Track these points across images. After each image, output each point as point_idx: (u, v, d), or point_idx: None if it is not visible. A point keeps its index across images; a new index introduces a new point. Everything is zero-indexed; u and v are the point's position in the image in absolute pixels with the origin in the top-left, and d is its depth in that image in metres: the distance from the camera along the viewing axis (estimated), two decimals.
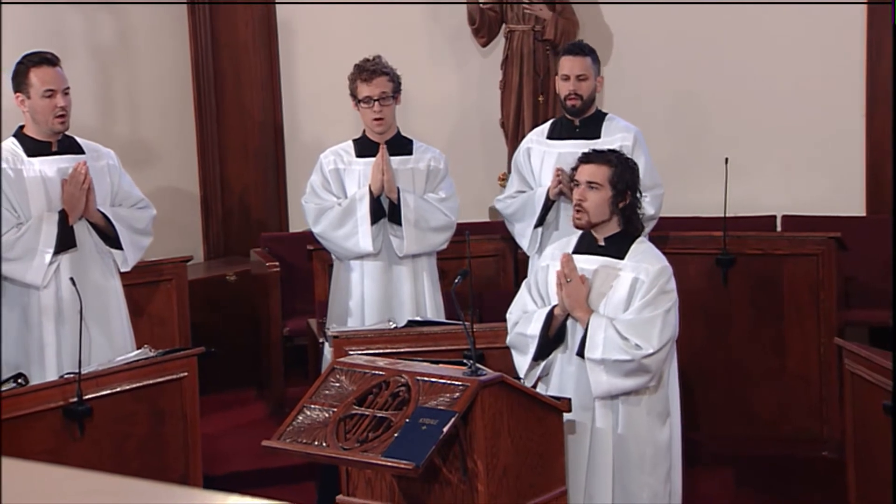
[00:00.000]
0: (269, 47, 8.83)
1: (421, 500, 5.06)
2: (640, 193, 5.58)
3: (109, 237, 6.16)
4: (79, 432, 5.46)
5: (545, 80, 8.50)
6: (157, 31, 8.65)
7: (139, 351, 5.86)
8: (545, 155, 6.91)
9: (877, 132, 8.33)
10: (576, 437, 5.41)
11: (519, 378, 5.46)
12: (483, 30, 8.62)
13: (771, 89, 8.53)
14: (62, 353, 6.03)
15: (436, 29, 8.84)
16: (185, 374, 5.81)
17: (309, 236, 7.10)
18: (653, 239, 5.88)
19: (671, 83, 8.69)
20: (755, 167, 8.36)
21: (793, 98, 8.49)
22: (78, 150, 6.20)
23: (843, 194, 8.39)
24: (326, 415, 5.04)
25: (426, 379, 5.01)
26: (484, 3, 8.59)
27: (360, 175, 6.68)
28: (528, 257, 7.10)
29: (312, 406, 5.10)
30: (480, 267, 7.74)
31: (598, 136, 6.83)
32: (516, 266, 7.96)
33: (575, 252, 5.52)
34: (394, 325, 6.29)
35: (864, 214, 8.35)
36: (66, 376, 5.55)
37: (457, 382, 4.95)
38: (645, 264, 5.42)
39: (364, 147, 6.71)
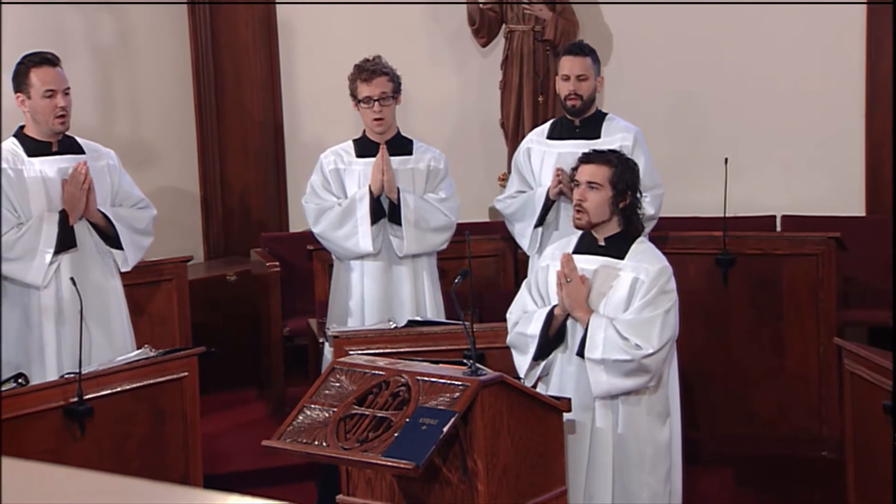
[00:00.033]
0: (269, 47, 8.83)
1: (421, 499, 5.06)
2: (641, 194, 5.59)
3: (110, 237, 6.17)
4: (79, 432, 5.47)
5: (545, 80, 8.50)
6: (157, 31, 8.65)
7: (139, 351, 5.86)
8: (545, 155, 6.91)
9: (876, 132, 8.34)
10: (576, 436, 5.41)
11: (519, 378, 5.46)
12: (483, 30, 8.62)
13: (771, 89, 8.53)
14: (62, 352, 6.03)
15: (436, 29, 8.84)
16: (186, 373, 5.82)
17: (309, 236, 7.11)
18: (652, 239, 5.89)
19: (671, 83, 8.69)
20: (755, 167, 8.36)
21: (792, 98, 8.50)
22: (78, 150, 6.20)
23: (843, 194, 8.40)
24: (326, 415, 5.05)
25: (426, 379, 5.01)
26: (484, 4, 8.60)
27: (360, 175, 6.68)
28: (528, 257, 7.11)
29: (312, 406, 5.10)
30: (480, 267, 7.75)
31: (598, 137, 6.83)
32: (516, 266, 7.97)
33: (575, 252, 5.53)
34: (394, 325, 6.30)
35: (863, 214, 8.35)
36: (66, 376, 5.55)
37: (457, 382, 4.95)
38: (645, 264, 5.42)
39: (364, 147, 6.71)
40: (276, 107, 8.86)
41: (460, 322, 5.39)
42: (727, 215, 7.01)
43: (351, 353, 5.78)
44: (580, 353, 5.38)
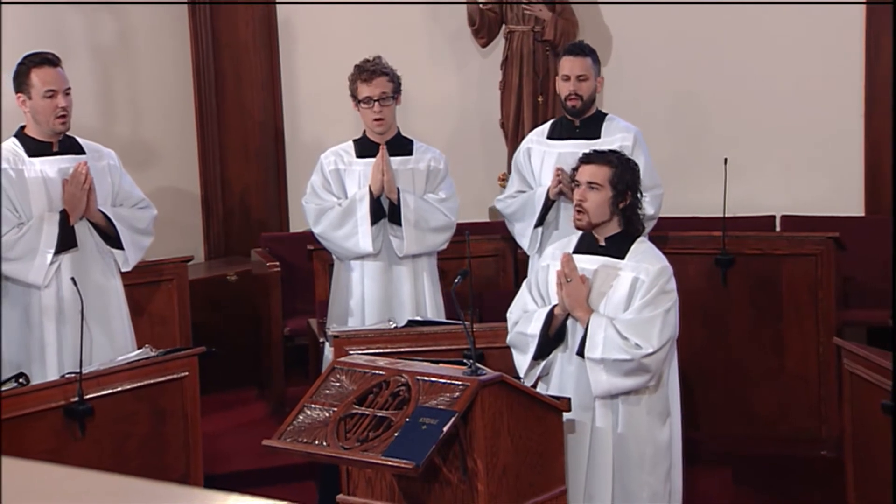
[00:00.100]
0: (269, 47, 8.83)
1: (421, 499, 5.07)
2: (641, 194, 5.59)
3: (110, 237, 6.17)
4: (80, 432, 5.47)
5: (545, 80, 8.51)
6: (157, 32, 8.65)
7: (140, 351, 5.87)
8: (545, 155, 6.92)
9: (875, 132, 8.34)
10: (576, 436, 5.41)
11: (519, 377, 5.47)
12: (483, 30, 8.62)
13: (770, 89, 8.54)
14: (63, 352, 6.04)
15: (436, 29, 8.85)
16: (186, 373, 5.82)
17: (309, 236, 7.12)
18: (652, 239, 5.89)
19: (671, 83, 8.69)
20: (754, 167, 8.36)
21: (792, 98, 8.50)
22: (79, 150, 6.21)
23: (842, 194, 8.40)
24: (327, 414, 5.05)
25: (426, 378, 5.02)
26: (484, 4, 8.60)
27: (360, 175, 6.69)
28: (528, 257, 7.11)
29: (313, 405, 5.11)
30: (480, 267, 7.75)
31: (598, 137, 6.84)
32: (516, 266, 7.97)
33: (575, 252, 5.53)
34: (394, 325, 6.30)
35: (862, 214, 8.35)
36: (67, 376, 5.56)
37: (457, 382, 4.96)
38: (645, 264, 5.43)
39: (364, 147, 6.72)
40: (277, 107, 8.86)
41: (460, 322, 5.40)
42: (727, 215, 7.02)
43: (351, 352, 5.79)
44: (580, 353, 5.39)
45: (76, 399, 5.44)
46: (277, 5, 8.81)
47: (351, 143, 6.78)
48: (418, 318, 6.40)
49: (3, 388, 5.48)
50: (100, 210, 6.12)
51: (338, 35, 8.67)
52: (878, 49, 8.29)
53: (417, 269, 6.73)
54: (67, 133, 6.17)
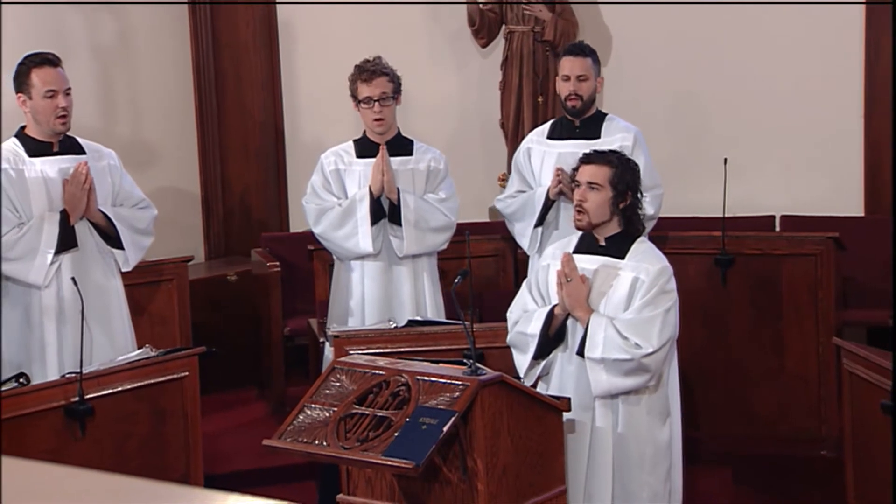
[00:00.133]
0: (269, 48, 8.84)
1: (421, 499, 5.07)
2: (641, 194, 5.59)
3: (111, 237, 6.18)
4: (80, 432, 5.48)
5: (545, 80, 8.51)
6: (157, 32, 8.66)
7: (140, 350, 5.87)
8: (545, 155, 6.92)
9: (875, 132, 8.34)
10: (576, 436, 5.42)
11: (519, 377, 5.47)
12: (483, 31, 8.63)
13: (770, 89, 8.54)
14: (63, 352, 6.05)
15: (436, 29, 8.85)
16: (186, 373, 5.83)
17: (309, 236, 7.12)
18: (652, 239, 5.89)
19: (671, 83, 8.69)
20: (754, 167, 8.37)
21: (792, 98, 8.50)
22: (79, 150, 6.21)
23: (842, 194, 8.40)
24: (327, 414, 5.06)
25: (426, 378, 5.02)
26: (484, 4, 8.60)
27: (360, 175, 6.69)
28: (528, 257, 7.12)
29: (313, 405, 5.11)
30: (480, 267, 7.75)
31: (598, 137, 6.84)
32: (516, 266, 7.97)
33: (575, 252, 5.54)
34: (394, 325, 6.31)
35: (862, 215, 8.36)
36: (67, 376, 5.57)
37: (457, 382, 4.96)
38: (645, 264, 5.43)
39: (364, 147, 6.72)
40: (277, 107, 8.87)
41: (460, 322, 5.40)
42: (726, 215, 7.02)
43: (351, 352, 5.79)
44: (580, 353, 5.39)
45: (76, 399, 5.45)
46: (278, 5, 8.82)
47: (351, 144, 6.78)
48: (418, 318, 6.41)
49: (4, 388, 5.49)
50: (100, 210, 6.13)
51: (338, 35, 8.67)
52: (877, 49, 8.30)
53: (417, 270, 6.73)
54: (68, 133, 6.17)
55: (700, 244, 7.15)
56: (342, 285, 6.77)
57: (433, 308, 6.74)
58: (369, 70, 6.62)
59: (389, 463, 4.80)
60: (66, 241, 6.07)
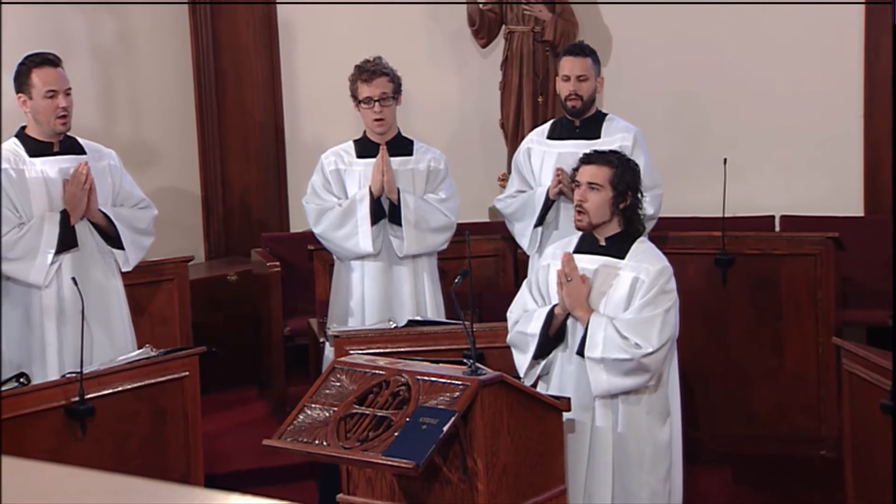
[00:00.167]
0: (269, 48, 8.84)
1: (421, 498, 5.08)
2: (641, 194, 5.60)
3: (111, 237, 6.18)
4: (80, 431, 5.48)
5: (545, 81, 8.52)
6: (158, 32, 8.66)
7: (140, 350, 5.88)
8: (545, 155, 6.93)
9: (875, 133, 8.35)
10: (575, 436, 5.42)
11: (519, 377, 5.48)
12: (483, 31, 8.63)
13: (770, 90, 8.55)
14: (64, 352, 6.05)
15: (436, 30, 8.85)
16: (187, 373, 5.83)
17: (310, 236, 7.12)
18: (652, 239, 5.90)
19: (670, 83, 8.70)
20: (754, 167, 8.37)
21: (791, 98, 8.51)
22: (79, 150, 6.22)
23: (841, 194, 8.41)
24: (327, 414, 5.06)
25: (426, 378, 5.02)
26: (484, 5, 8.61)
27: (360, 176, 6.70)
28: (528, 257, 7.12)
29: (313, 405, 5.12)
30: (480, 267, 7.76)
31: (598, 137, 6.84)
32: (516, 266, 7.98)
33: (576, 251, 5.54)
34: (394, 325, 6.31)
35: (861, 215, 8.36)
36: (67, 376, 5.57)
37: (457, 382, 4.97)
38: (645, 264, 5.44)
39: (364, 148, 6.73)
40: (277, 107, 8.87)
41: (460, 322, 5.40)
42: (726, 215, 7.02)
43: (351, 352, 5.80)
44: (580, 352, 5.39)
45: (77, 399, 5.45)
46: (278, 5, 8.82)
47: (351, 144, 6.79)
48: (418, 318, 6.41)
49: (4, 388, 5.49)
50: (100, 210, 6.13)
51: (338, 35, 8.68)
52: (877, 49, 8.30)
53: (417, 270, 6.74)
54: (68, 133, 6.18)
55: (700, 244, 7.16)
56: (342, 285, 6.78)
57: (433, 308, 6.74)
58: (369, 70, 6.62)
59: (389, 463, 4.81)
60: (67, 241, 6.07)
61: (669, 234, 7.11)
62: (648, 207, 6.46)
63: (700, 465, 6.85)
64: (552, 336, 5.47)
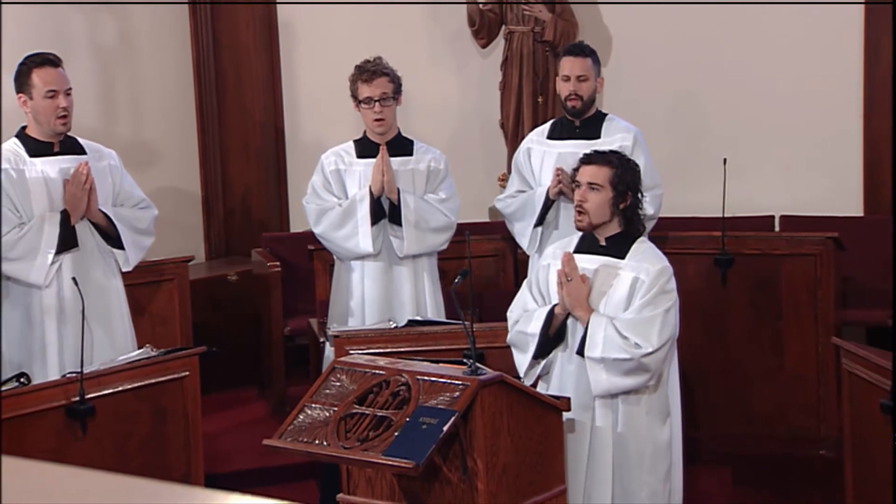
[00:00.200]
0: (270, 48, 8.85)
1: (421, 498, 5.08)
2: (641, 194, 5.60)
3: (111, 237, 6.19)
4: (81, 431, 5.48)
5: (545, 81, 8.52)
6: (158, 32, 8.67)
7: (141, 350, 5.88)
8: (545, 155, 6.93)
9: (874, 133, 8.35)
10: (575, 435, 5.42)
11: (519, 377, 5.48)
12: (483, 31, 8.64)
13: (770, 90, 8.55)
14: (64, 352, 6.06)
15: (436, 30, 8.86)
16: (187, 373, 5.83)
17: (310, 236, 7.13)
18: (652, 239, 5.90)
19: (670, 83, 8.70)
20: (754, 167, 8.37)
21: (791, 98, 8.51)
22: (80, 150, 6.22)
23: (841, 194, 8.41)
24: (327, 414, 5.07)
25: (426, 378, 5.03)
26: (484, 5, 8.61)
27: (360, 176, 6.70)
28: (527, 257, 7.13)
29: (313, 405, 5.12)
30: (480, 267, 7.76)
31: (598, 137, 6.85)
32: (516, 266, 7.98)
33: (576, 251, 5.54)
34: (394, 325, 6.31)
35: (861, 215, 8.37)
36: (68, 375, 5.57)
37: (457, 382, 4.97)
38: (646, 264, 5.44)
39: (365, 148, 6.73)
40: (277, 107, 8.88)
41: (460, 322, 5.41)
42: (726, 215, 7.03)
43: (351, 352, 5.80)
44: (580, 352, 5.40)
45: (77, 399, 5.45)
46: (278, 6, 8.83)
47: (351, 144, 6.79)
48: (418, 318, 6.42)
49: (5, 388, 5.49)
50: (100, 210, 6.14)
51: (338, 35, 8.68)
52: (877, 49, 8.31)
53: (418, 270, 6.74)
54: (68, 133, 6.18)
55: (699, 244, 7.16)
56: (342, 285, 6.78)
57: (433, 308, 6.75)
58: (370, 70, 6.63)
59: (389, 462, 4.81)
60: (67, 241, 6.08)
61: (669, 234, 7.12)
62: (648, 207, 6.46)
63: (700, 465, 6.85)
64: (552, 336, 5.48)
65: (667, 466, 5.53)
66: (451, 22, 8.75)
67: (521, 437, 5.09)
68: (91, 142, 6.35)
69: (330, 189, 6.71)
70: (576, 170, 5.61)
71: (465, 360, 5.16)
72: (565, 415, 5.28)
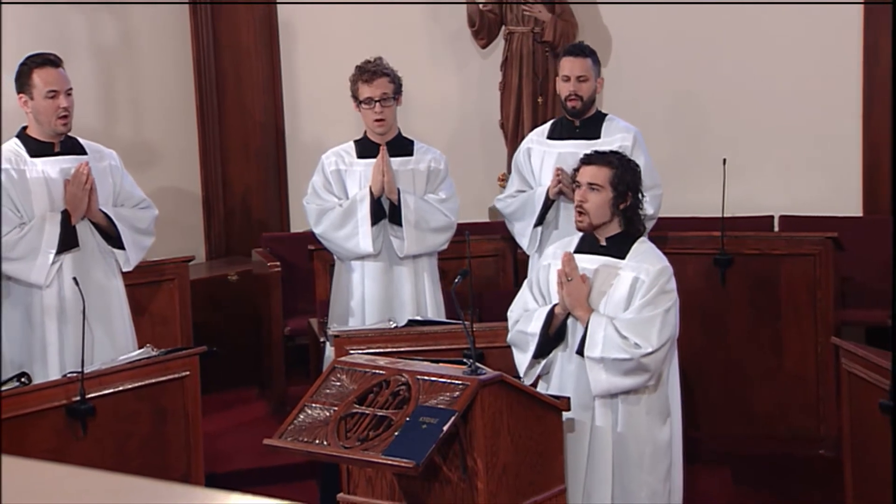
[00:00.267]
0: (270, 48, 8.85)
1: (421, 498, 5.09)
2: (642, 195, 5.60)
3: (112, 237, 6.19)
4: (81, 431, 5.49)
5: (544, 81, 8.53)
6: (159, 33, 8.67)
7: (141, 350, 5.89)
8: (545, 155, 6.94)
9: (873, 133, 8.36)
10: (575, 435, 5.43)
11: (519, 376, 5.48)
12: (483, 31, 8.64)
13: (769, 90, 8.55)
14: (65, 352, 6.06)
15: (436, 30, 8.86)
16: (187, 373, 5.84)
17: (310, 236, 7.13)
18: (651, 239, 5.91)
19: (670, 83, 8.71)
20: (753, 167, 8.38)
21: (791, 98, 8.52)
22: (80, 150, 6.23)
23: (841, 194, 8.41)
24: (327, 413, 5.07)
25: (426, 378, 5.03)
26: (484, 5, 8.62)
27: (360, 176, 6.70)
28: (527, 257, 7.13)
29: (313, 405, 5.13)
30: (480, 267, 7.77)
31: (598, 137, 6.85)
32: (516, 266, 7.99)
33: (576, 251, 5.55)
34: (394, 325, 6.32)
35: (860, 215, 8.37)
36: (68, 375, 5.58)
37: (457, 381, 4.98)
38: (646, 264, 5.44)
39: (365, 148, 6.74)
40: (278, 108, 8.88)
41: (460, 322, 5.41)
42: (725, 215, 7.03)
43: (352, 352, 5.81)
44: (580, 352, 5.40)
45: (78, 398, 5.46)
46: (278, 6, 8.83)
47: (352, 144, 6.80)
48: (418, 318, 6.42)
49: (5, 388, 5.50)
50: (101, 210, 6.15)
51: (338, 36, 8.69)
52: (876, 49, 8.31)
53: (418, 270, 6.75)
54: (69, 133, 6.19)
55: (699, 244, 7.16)
56: (343, 285, 6.79)
57: (433, 308, 6.75)
58: (370, 71, 6.63)
59: (390, 462, 4.82)
60: (68, 241, 6.08)
61: (669, 234, 7.12)
62: (648, 207, 6.45)
63: (700, 465, 6.86)
64: (552, 335, 5.48)
65: (667, 466, 5.53)
66: (451, 22, 8.76)
67: (521, 436, 5.09)
68: (91, 142, 6.36)
69: (330, 189, 6.72)
70: (576, 170, 5.62)
71: (465, 360, 5.16)
72: (565, 414, 5.28)
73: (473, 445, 4.95)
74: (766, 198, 8.42)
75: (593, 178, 5.49)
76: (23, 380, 5.64)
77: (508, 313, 5.65)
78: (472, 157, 8.76)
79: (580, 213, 5.51)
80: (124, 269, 6.28)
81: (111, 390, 5.59)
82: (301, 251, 7.77)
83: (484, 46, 8.76)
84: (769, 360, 7.11)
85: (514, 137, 8.48)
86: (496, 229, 8.00)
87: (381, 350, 5.99)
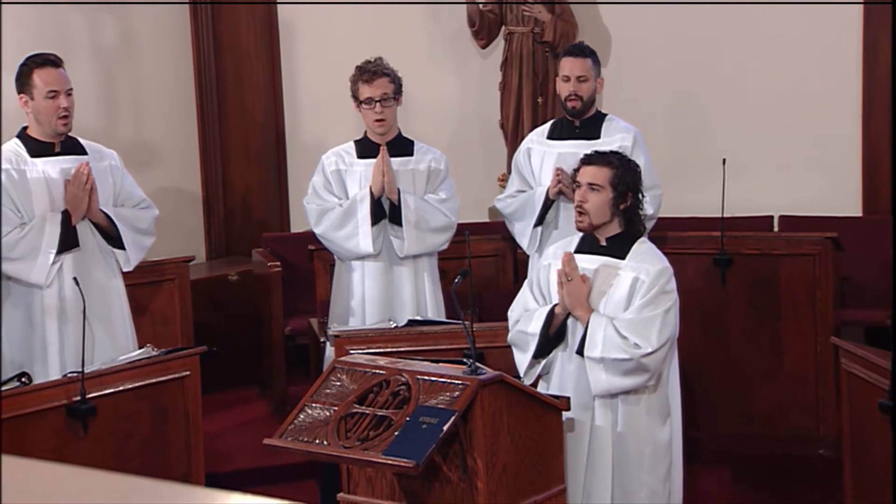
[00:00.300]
0: (270, 49, 8.86)
1: (421, 497, 5.09)
2: (642, 195, 5.61)
3: (112, 237, 6.20)
4: (82, 431, 5.49)
5: (544, 81, 8.53)
6: (159, 33, 8.68)
7: (142, 350, 5.89)
8: (545, 155, 6.94)
9: (873, 133, 8.36)
10: (575, 435, 5.43)
11: (519, 376, 5.49)
12: (483, 32, 8.65)
13: (769, 90, 8.56)
14: (65, 352, 6.07)
15: (436, 30, 8.87)
16: (188, 373, 5.84)
17: (310, 236, 7.14)
18: (651, 239, 5.91)
19: (670, 83, 8.71)
20: (753, 167, 8.38)
21: (790, 98, 8.52)
22: (81, 150, 6.23)
23: (840, 195, 8.42)
24: (327, 413, 5.08)
25: (426, 378, 5.04)
26: (483, 5, 8.62)
27: (361, 176, 6.71)
28: (527, 257, 7.13)
29: (314, 405, 5.13)
30: (480, 267, 7.77)
31: (598, 137, 6.85)
32: (516, 266, 7.99)
33: (576, 251, 5.55)
34: (394, 325, 6.32)
35: (860, 215, 8.38)
36: (69, 375, 5.58)
37: (457, 381, 4.98)
38: (646, 264, 5.45)
39: (365, 148, 6.74)
40: (278, 108, 8.89)
41: (460, 321, 5.41)
42: (725, 215, 7.04)
43: (352, 352, 5.81)
44: (580, 352, 5.41)
45: (78, 398, 5.46)
46: (278, 6, 8.84)
47: (352, 144, 6.80)
48: (418, 318, 6.42)
49: (6, 388, 5.50)
50: (101, 210, 6.15)
51: (338, 36, 8.69)
52: (876, 49, 8.32)
53: (418, 270, 6.75)
54: (69, 134, 6.19)
55: (699, 244, 7.17)
56: (343, 285, 6.79)
57: (433, 308, 6.75)
58: (370, 71, 6.63)
59: (390, 462, 4.82)
60: (68, 241, 6.09)
61: (669, 234, 7.12)
62: (648, 207, 6.45)
63: (700, 464, 6.86)
64: (552, 335, 5.48)
65: (666, 466, 5.53)
66: (451, 22, 8.76)
67: (521, 436, 5.10)
68: (92, 142, 6.36)
69: (330, 189, 6.72)
70: (576, 170, 5.62)
71: (465, 360, 5.17)
72: (565, 414, 5.29)
73: (473, 445, 4.96)
74: (766, 198, 8.42)
75: (593, 178, 5.50)
76: (23, 380, 5.64)
77: (508, 313, 5.65)
78: (472, 157, 8.77)
79: (580, 214, 5.52)
80: (125, 269, 6.28)
81: (111, 390, 5.60)
82: (301, 251, 7.77)
83: (484, 47, 8.76)
84: (769, 360, 7.11)
85: (514, 137, 8.49)
86: (496, 229, 8.01)
87: (381, 350, 5.99)
